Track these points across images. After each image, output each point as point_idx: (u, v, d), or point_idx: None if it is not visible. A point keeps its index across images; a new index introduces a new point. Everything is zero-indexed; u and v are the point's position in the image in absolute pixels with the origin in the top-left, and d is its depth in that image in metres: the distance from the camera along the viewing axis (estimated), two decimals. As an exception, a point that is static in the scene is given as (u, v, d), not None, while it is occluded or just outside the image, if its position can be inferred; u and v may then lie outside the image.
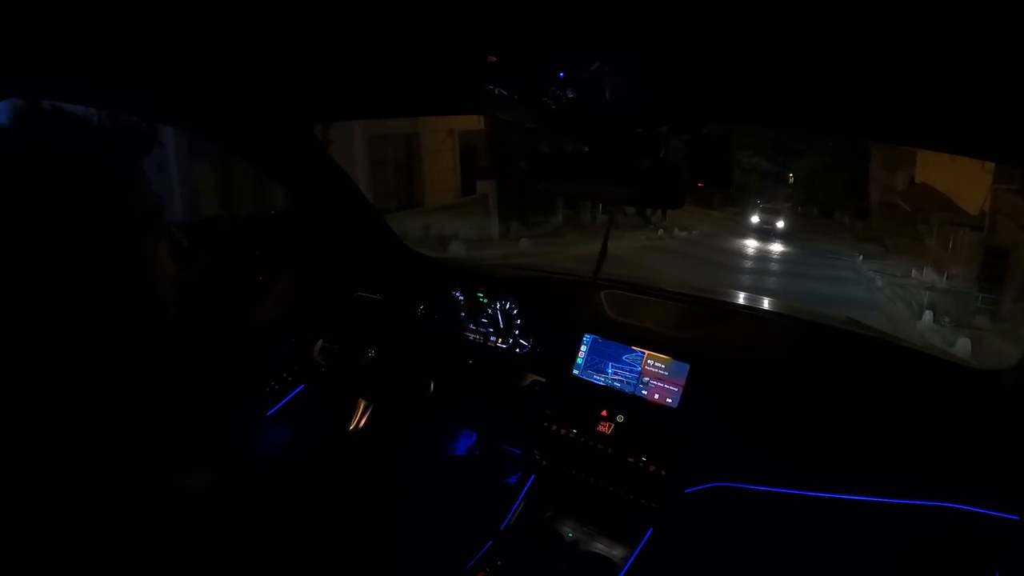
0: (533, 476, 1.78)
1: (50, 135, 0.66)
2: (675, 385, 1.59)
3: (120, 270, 0.70)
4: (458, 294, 2.00)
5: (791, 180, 27.11)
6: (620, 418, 1.63)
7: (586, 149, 1.34)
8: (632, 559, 1.56)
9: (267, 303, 1.64)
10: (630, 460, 1.58)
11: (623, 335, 1.70)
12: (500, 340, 1.92)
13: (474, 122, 13.29)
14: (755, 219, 22.91)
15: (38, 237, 0.64)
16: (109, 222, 0.69)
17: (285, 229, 2.04)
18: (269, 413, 1.92)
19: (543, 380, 1.79)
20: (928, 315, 11.55)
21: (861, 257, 18.13)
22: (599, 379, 1.70)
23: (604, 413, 1.65)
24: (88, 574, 0.60)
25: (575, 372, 1.74)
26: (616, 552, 1.62)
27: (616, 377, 1.67)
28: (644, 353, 1.65)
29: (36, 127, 0.66)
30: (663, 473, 1.53)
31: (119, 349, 0.73)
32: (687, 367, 1.58)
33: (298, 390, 1.98)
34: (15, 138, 0.65)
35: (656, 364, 1.63)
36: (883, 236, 19.71)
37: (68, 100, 0.69)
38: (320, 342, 1.98)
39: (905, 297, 13.33)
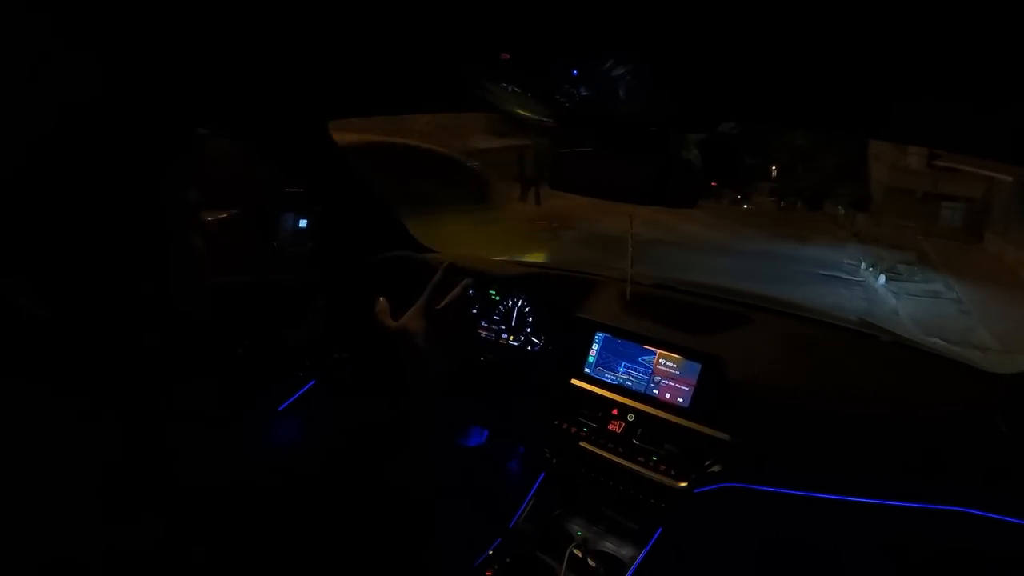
0: (543, 474, 1.78)
1: (78, 134, 0.68)
2: (686, 385, 1.58)
3: (153, 261, 0.72)
4: (470, 291, 2.00)
5: (773, 173, 21.29)
6: (631, 417, 1.63)
7: (600, 147, 1.34)
8: (641, 559, 1.56)
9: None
10: (640, 459, 1.57)
11: (635, 334, 1.70)
12: (512, 338, 1.92)
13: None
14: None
15: (73, 232, 0.66)
16: (143, 214, 0.71)
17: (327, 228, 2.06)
18: (281, 408, 1.93)
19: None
20: None
21: (883, 278, 11.29)
22: (610, 378, 1.70)
23: (615, 412, 1.65)
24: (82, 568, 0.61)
25: (587, 370, 1.74)
26: (625, 551, 1.61)
27: (628, 376, 1.67)
28: (656, 352, 1.64)
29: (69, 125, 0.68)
30: (673, 473, 1.53)
31: (139, 339, 0.74)
32: (699, 367, 1.58)
33: (310, 385, 1.99)
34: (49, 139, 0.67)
35: (668, 363, 1.62)
36: (907, 237, 13.59)
37: (88, 99, 0.70)
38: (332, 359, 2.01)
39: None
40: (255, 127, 1.73)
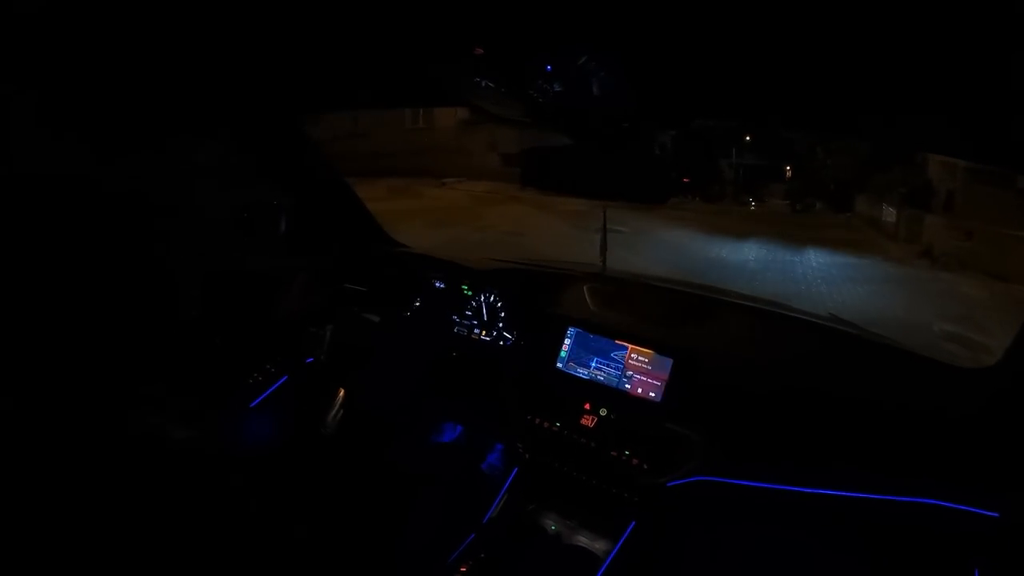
0: (516, 469, 1.78)
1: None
2: (658, 379, 1.60)
3: (139, 250, 0.71)
4: (442, 286, 2.00)
5: (788, 173, 15.57)
6: (603, 411, 1.64)
7: (572, 143, 1.34)
8: (614, 552, 1.57)
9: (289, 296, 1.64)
10: (613, 453, 1.58)
11: (607, 329, 1.70)
12: (484, 333, 1.92)
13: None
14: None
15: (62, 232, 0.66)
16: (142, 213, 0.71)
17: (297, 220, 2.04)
18: (253, 404, 1.91)
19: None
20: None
21: None
22: (583, 372, 1.70)
23: (587, 406, 1.66)
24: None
25: (559, 365, 1.74)
26: (599, 545, 1.62)
27: (600, 371, 1.68)
28: (628, 347, 1.65)
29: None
30: (645, 467, 1.54)
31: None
32: (670, 361, 1.59)
33: (282, 381, 1.97)
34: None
35: (640, 358, 1.63)
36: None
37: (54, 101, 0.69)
38: (307, 332, 2.00)
39: None
40: (234, 121, 1.70)
